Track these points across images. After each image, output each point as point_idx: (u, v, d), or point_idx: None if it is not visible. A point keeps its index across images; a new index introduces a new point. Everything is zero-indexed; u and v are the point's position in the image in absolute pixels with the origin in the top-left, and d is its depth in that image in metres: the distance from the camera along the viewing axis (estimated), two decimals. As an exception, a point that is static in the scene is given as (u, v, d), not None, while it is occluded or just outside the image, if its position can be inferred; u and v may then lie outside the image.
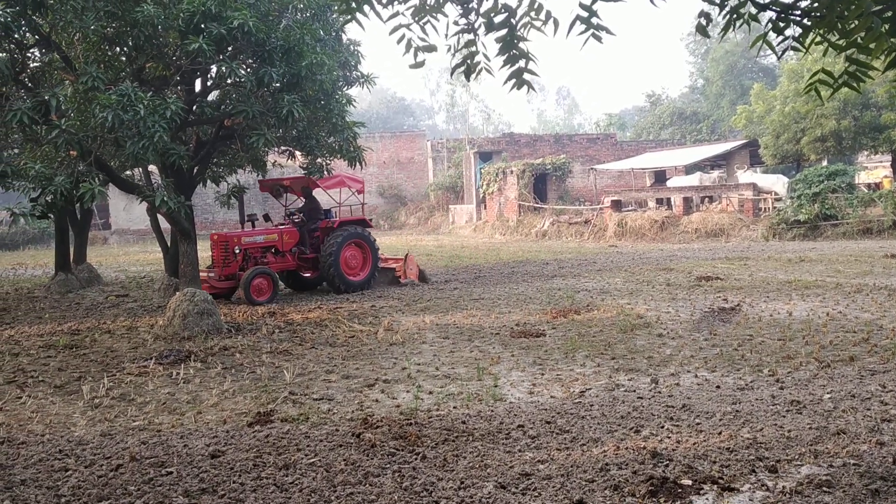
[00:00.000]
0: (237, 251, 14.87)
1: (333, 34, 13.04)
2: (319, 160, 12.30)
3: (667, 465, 5.05)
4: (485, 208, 37.68)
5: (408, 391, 7.51)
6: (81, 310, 14.75)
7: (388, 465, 5.28)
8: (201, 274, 14.62)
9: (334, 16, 13.12)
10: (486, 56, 4.30)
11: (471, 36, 4.17)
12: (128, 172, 14.76)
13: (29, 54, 10.57)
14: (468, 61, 4.23)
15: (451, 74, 4.38)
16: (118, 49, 10.96)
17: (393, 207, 45.34)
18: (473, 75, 4.26)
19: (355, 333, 10.64)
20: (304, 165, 12.18)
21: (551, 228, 30.58)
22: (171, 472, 5.30)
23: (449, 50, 4.17)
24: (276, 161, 15.45)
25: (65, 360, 9.68)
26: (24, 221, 8.81)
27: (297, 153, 11.94)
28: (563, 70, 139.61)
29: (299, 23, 11.30)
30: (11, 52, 9.72)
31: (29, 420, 6.98)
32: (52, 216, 10.21)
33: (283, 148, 11.91)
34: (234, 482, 5.09)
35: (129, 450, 5.82)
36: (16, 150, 12.38)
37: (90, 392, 7.88)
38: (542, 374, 7.98)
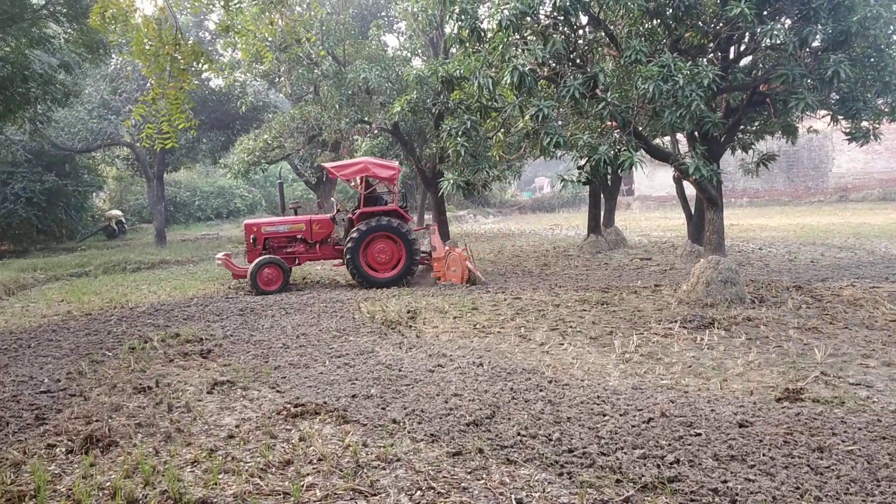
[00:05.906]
0: (253, 239, 15.20)
1: (895, -19, 11.55)
2: (865, 124, 11.14)
3: None
4: None
5: (968, 391, 6.50)
6: (609, 269, 15.93)
7: (945, 471, 4.66)
8: (221, 255, 15.41)
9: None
10: None
11: None
12: (655, 141, 15.26)
13: (579, 34, 11.59)
14: None
15: None
16: (656, 22, 11.33)
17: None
18: None
19: (898, 318, 9.54)
20: (847, 130, 11.16)
21: None
22: (700, 434, 5.45)
23: None
24: (810, 127, 14.45)
25: (597, 314, 10.56)
26: (572, 187, 9.78)
27: (840, 118, 10.96)
28: None
29: (851, -27, 10.28)
30: (566, 35, 10.76)
31: (570, 365, 7.82)
32: (596, 181, 11.12)
33: (821, 113, 11.05)
34: (763, 455, 5.03)
35: (658, 406, 6.14)
36: (559, 123, 13.70)
37: (621, 346, 8.49)
38: None
